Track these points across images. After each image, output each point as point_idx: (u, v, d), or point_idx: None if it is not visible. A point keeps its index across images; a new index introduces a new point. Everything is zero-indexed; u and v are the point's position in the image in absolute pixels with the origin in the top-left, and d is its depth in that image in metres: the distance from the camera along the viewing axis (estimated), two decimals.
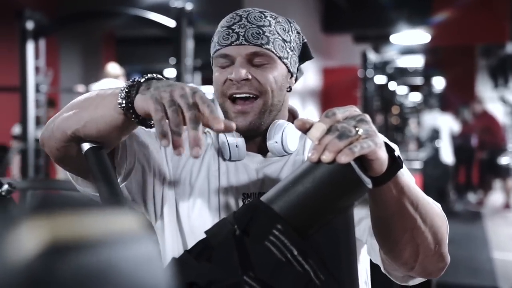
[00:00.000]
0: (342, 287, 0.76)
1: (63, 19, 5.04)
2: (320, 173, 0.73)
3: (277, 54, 1.04)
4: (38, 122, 4.78)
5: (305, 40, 1.11)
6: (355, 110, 0.78)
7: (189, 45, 4.15)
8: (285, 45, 1.06)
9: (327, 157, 0.72)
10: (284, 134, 1.06)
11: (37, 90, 4.66)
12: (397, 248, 0.91)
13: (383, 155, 0.76)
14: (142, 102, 0.83)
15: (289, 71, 1.08)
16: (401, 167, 0.81)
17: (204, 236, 0.78)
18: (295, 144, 1.08)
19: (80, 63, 7.42)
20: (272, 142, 1.07)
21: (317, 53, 7.99)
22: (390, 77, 9.38)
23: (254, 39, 1.02)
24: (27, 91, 4.56)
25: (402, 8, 7.54)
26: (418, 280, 1.00)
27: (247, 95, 1.04)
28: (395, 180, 0.82)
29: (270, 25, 1.05)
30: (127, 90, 0.86)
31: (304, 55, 1.12)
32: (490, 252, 5.20)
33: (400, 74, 10.96)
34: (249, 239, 0.74)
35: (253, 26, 1.03)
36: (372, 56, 7.26)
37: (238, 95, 1.04)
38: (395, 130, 9.69)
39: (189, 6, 4.11)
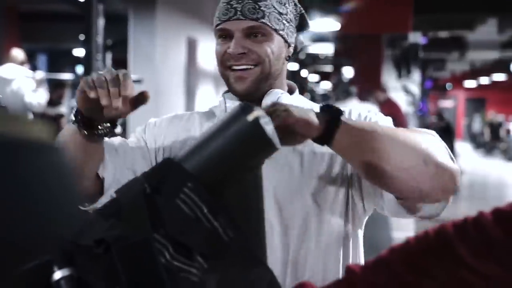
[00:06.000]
0: (249, 244, 0.79)
1: None
2: (231, 132, 0.76)
3: (273, 27, 1.12)
4: None
5: (303, 11, 1.20)
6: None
7: (100, 22, 4.02)
8: (281, 17, 1.13)
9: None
10: (279, 101, 1.11)
11: None
12: (375, 176, 0.99)
13: (302, 121, 0.90)
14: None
15: (285, 41, 1.15)
16: (337, 127, 0.93)
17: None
18: None
19: None
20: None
21: None
22: (302, 64, 9.61)
23: (250, 14, 1.10)
24: None
25: None
26: (429, 208, 1.04)
27: (245, 67, 1.12)
28: (340, 137, 0.94)
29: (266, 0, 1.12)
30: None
31: (302, 25, 1.21)
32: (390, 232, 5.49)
33: (311, 61, 11.24)
34: (160, 197, 0.75)
35: (249, 1, 1.11)
36: None
37: (236, 67, 1.13)
38: None
39: None
